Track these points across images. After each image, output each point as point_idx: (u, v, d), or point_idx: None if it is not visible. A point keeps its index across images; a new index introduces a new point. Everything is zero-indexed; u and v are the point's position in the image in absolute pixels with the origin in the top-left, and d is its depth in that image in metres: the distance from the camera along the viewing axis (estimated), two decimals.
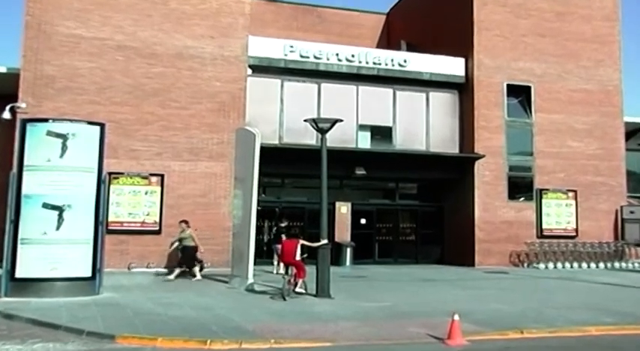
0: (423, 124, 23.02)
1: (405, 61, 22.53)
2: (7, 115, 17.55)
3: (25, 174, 11.85)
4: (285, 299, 12.18)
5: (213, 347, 8.17)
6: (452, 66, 22.99)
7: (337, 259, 20.28)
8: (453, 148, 23.13)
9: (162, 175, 18.81)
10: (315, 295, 12.74)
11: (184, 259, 16.19)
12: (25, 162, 11.91)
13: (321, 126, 13.67)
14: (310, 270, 13.12)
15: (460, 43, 23.14)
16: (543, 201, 23.00)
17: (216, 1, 19.90)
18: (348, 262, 21.32)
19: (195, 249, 16.17)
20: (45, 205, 11.72)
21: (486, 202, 22.24)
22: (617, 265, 22.81)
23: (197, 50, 19.57)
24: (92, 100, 18.42)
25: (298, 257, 12.98)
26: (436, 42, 24.13)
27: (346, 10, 30.09)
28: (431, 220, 23.90)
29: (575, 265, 22.35)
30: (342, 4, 30.26)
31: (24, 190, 11.79)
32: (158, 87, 19.14)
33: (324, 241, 13.28)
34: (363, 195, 24.00)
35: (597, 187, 23.64)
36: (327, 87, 21.93)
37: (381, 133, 22.73)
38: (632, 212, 23.69)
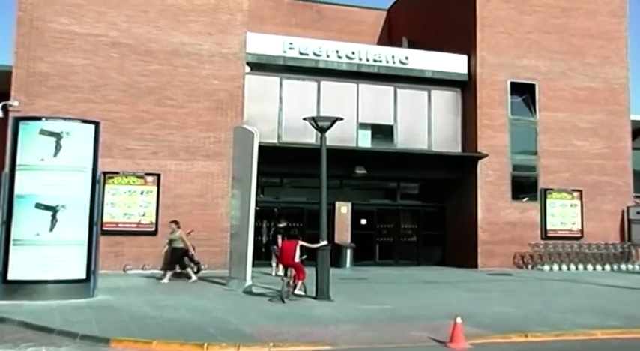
0: (424, 123, 23.02)
1: (406, 59, 22.53)
2: None
3: (17, 173, 11.83)
4: (283, 301, 12.18)
5: None
6: (454, 63, 22.98)
7: (337, 260, 20.28)
8: (455, 148, 23.13)
9: (158, 175, 18.81)
10: (314, 298, 12.74)
11: (173, 260, 16.13)
12: (18, 161, 11.89)
13: (321, 125, 13.66)
14: (310, 272, 13.11)
15: (463, 40, 23.14)
16: (548, 201, 23.00)
17: None
18: (348, 264, 21.32)
19: (184, 250, 16.12)
20: (38, 206, 11.70)
21: (489, 203, 22.24)
22: (623, 266, 22.81)
23: (194, 47, 19.56)
24: (86, 98, 18.41)
25: (297, 258, 12.98)
26: (438, 39, 24.13)
27: (346, 6, 30.09)
28: (433, 221, 23.90)
29: (581, 266, 22.35)
30: (341, 0, 30.17)
31: (17, 190, 11.77)
32: (154, 85, 19.14)
33: (324, 242, 13.27)
34: (363, 195, 23.99)
35: (603, 187, 23.64)
36: (327, 85, 21.93)
37: (382, 131, 22.73)
38: (638, 213, 23.65)
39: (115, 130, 18.17)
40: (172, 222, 16.41)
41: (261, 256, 19.35)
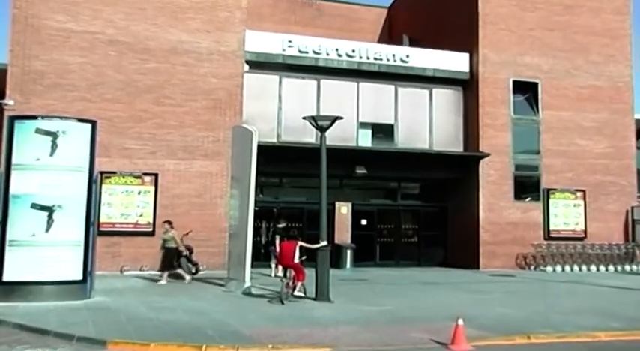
0: (425, 122, 23.02)
1: (407, 57, 22.53)
2: None
3: (13, 173, 11.82)
4: (283, 303, 12.18)
5: None
6: (456, 61, 22.98)
7: (337, 261, 20.27)
8: (457, 147, 23.13)
9: (155, 175, 18.80)
10: (314, 299, 12.75)
11: (164, 261, 16.02)
12: (14, 161, 11.89)
13: (321, 124, 13.66)
14: (309, 272, 13.12)
15: (464, 38, 23.14)
16: (550, 201, 23.00)
17: None
18: (348, 265, 21.33)
19: (176, 251, 16.04)
20: (34, 206, 11.70)
21: (491, 203, 22.24)
22: (627, 267, 22.78)
23: (192, 45, 19.56)
24: (83, 96, 18.41)
25: (297, 259, 12.99)
26: (440, 36, 24.13)
27: (346, 3, 30.11)
28: (434, 221, 23.90)
29: (584, 267, 22.35)
30: None
31: (12, 190, 11.76)
32: (151, 83, 19.13)
33: (324, 243, 13.28)
34: (363, 195, 23.99)
35: (607, 187, 23.64)
36: (327, 83, 21.92)
37: (383, 131, 22.73)
38: None
39: (112, 130, 18.17)
40: (165, 222, 16.35)
41: (260, 256, 19.33)
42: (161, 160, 18.96)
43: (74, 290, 11.90)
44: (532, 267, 22.17)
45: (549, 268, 21.84)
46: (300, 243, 13.13)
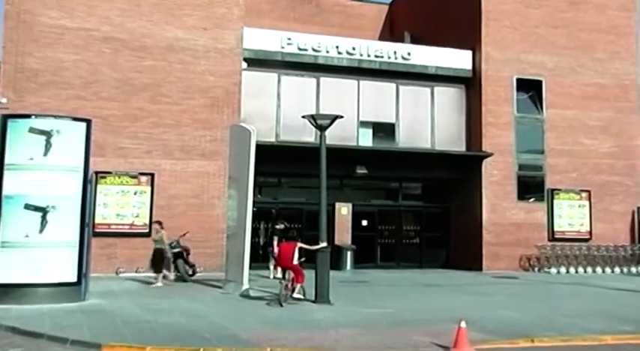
0: (427, 121, 23.02)
1: (408, 54, 22.52)
2: None
3: (5, 173, 11.79)
4: (282, 305, 12.17)
5: None
6: (458, 59, 22.98)
7: (337, 263, 20.25)
8: (459, 146, 23.12)
9: (152, 175, 18.79)
10: (313, 301, 12.73)
11: (157, 262, 15.90)
12: (6, 160, 11.85)
13: (320, 123, 13.65)
14: (309, 274, 13.11)
15: (467, 35, 23.13)
16: (555, 202, 22.99)
17: None
18: (348, 266, 21.31)
19: (163, 252, 15.93)
20: (27, 206, 11.67)
21: (494, 203, 22.23)
22: (633, 269, 22.79)
23: (189, 42, 19.55)
24: (77, 95, 18.39)
25: (296, 261, 12.98)
26: (442, 34, 24.11)
27: None
28: (436, 222, 23.90)
29: (589, 269, 22.36)
30: None
31: (5, 191, 11.74)
32: (148, 81, 19.12)
33: (324, 244, 13.27)
34: (364, 195, 24.00)
35: (612, 187, 23.64)
36: (327, 81, 21.92)
37: (384, 130, 22.73)
38: None
39: (108, 128, 18.15)
40: (156, 222, 16.32)
41: (259, 258, 19.33)
42: (157, 159, 18.94)
43: (68, 293, 11.87)
44: (536, 269, 22.16)
45: (554, 270, 21.84)
46: (299, 244, 13.11)
